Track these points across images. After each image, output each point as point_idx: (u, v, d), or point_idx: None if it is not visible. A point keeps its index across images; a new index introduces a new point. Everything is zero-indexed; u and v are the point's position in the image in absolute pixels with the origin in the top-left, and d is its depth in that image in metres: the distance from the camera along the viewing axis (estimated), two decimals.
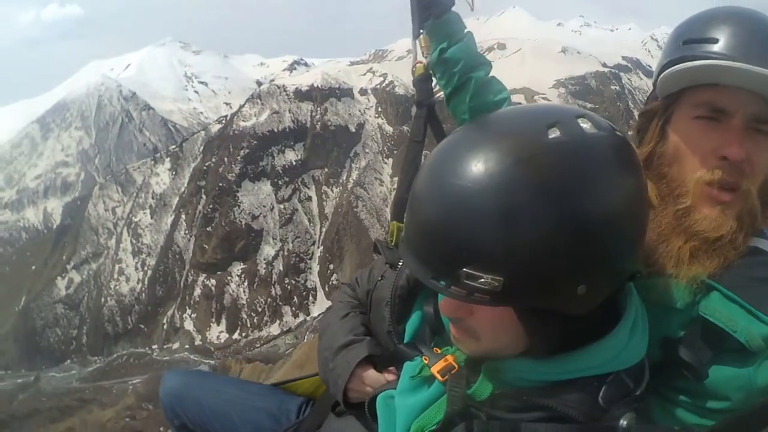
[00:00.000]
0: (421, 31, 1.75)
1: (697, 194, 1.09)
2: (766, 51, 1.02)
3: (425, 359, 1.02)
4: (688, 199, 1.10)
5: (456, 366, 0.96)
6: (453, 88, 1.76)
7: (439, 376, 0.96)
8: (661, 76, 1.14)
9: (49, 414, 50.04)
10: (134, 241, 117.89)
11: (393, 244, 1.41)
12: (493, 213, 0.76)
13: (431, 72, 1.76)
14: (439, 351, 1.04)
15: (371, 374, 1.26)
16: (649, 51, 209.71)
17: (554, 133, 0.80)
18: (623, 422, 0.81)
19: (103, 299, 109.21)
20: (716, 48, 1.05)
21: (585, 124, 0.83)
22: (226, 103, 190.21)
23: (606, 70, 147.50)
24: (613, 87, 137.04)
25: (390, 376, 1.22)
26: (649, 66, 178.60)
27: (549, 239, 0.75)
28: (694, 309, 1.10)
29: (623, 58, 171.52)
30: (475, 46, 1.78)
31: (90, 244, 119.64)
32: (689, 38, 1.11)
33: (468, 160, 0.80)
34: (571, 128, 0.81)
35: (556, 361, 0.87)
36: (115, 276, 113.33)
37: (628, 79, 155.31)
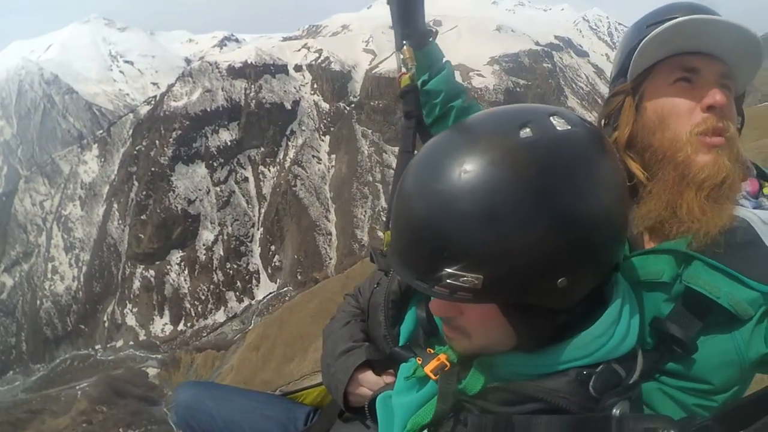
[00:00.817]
0: (404, 42, 1.75)
1: (693, 145, 1.15)
2: (725, 20, 1.12)
3: (419, 360, 1.06)
4: (683, 153, 1.15)
5: (448, 364, 0.99)
6: (435, 118, 1.82)
7: (432, 375, 0.99)
8: (638, 49, 1.21)
9: (2, 430, 47.12)
10: (66, 236, 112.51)
11: (386, 251, 1.42)
12: (469, 214, 0.78)
13: (416, 83, 1.77)
14: (432, 351, 1.08)
15: (370, 378, 1.31)
16: (580, 31, 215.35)
17: (526, 132, 0.82)
18: (616, 411, 0.82)
19: (38, 302, 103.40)
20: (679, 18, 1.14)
21: (557, 122, 0.85)
22: (154, 83, 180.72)
23: (539, 48, 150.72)
24: (545, 65, 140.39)
25: (388, 379, 1.27)
26: (580, 45, 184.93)
27: (525, 236, 0.78)
28: (679, 280, 1.13)
29: (555, 37, 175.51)
30: (453, 74, 1.83)
31: (19, 243, 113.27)
32: (653, 21, 1.22)
33: (444, 164, 0.83)
34: (542, 126, 0.84)
35: (545, 354, 0.90)
36: (49, 275, 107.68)
37: (560, 57, 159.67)
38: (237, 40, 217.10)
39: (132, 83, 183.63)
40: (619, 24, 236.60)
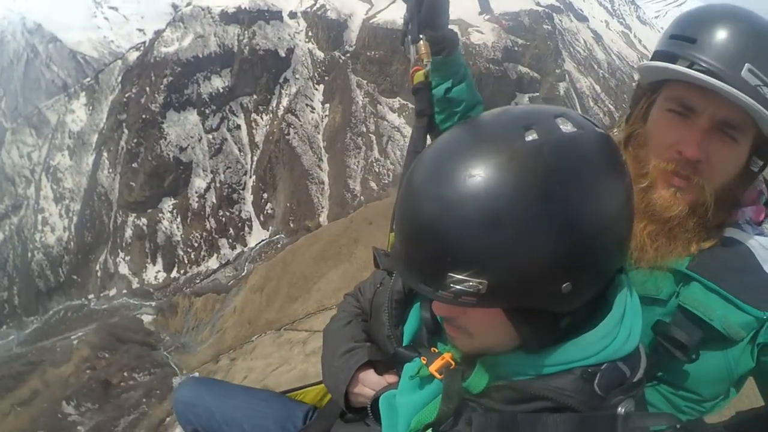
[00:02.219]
0: (421, 36, 1.70)
1: (654, 176, 1.17)
2: (741, 57, 1.05)
3: (423, 359, 1.05)
4: (647, 180, 1.18)
5: (453, 363, 0.99)
6: (452, 125, 1.76)
7: (437, 374, 0.98)
8: (639, 66, 1.22)
9: (2, 383, 47.09)
10: (55, 187, 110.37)
11: (390, 252, 1.39)
12: (474, 220, 0.78)
13: (430, 81, 1.73)
14: (437, 351, 1.07)
15: (372, 378, 1.30)
16: None
17: (531, 135, 0.81)
18: (621, 409, 0.82)
19: (29, 254, 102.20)
20: (692, 51, 1.10)
21: (563, 124, 0.83)
22: (140, 29, 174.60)
23: (540, 9, 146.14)
24: (545, 26, 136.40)
25: (390, 379, 1.26)
26: (581, 10, 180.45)
27: (530, 242, 0.77)
28: (675, 300, 1.16)
29: None
30: (473, 82, 1.81)
31: (8, 196, 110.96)
32: (675, 33, 1.16)
33: (449, 169, 0.82)
34: (548, 129, 0.82)
35: (548, 354, 0.89)
36: (39, 227, 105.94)
37: (560, 20, 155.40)
38: None
39: (117, 30, 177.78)
40: None
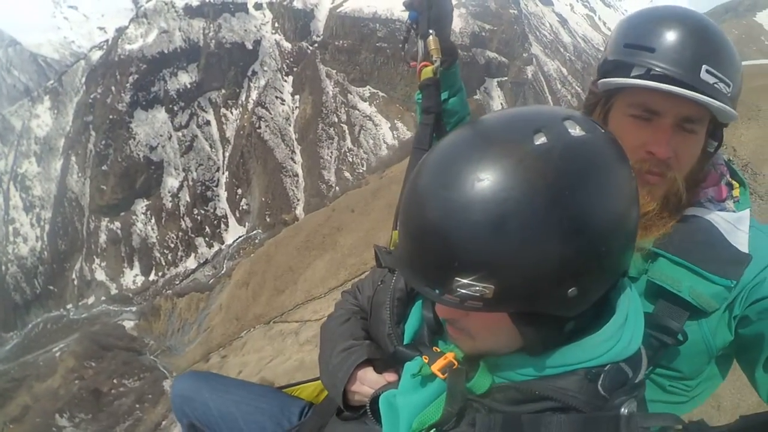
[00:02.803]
0: (431, 32, 1.70)
1: None
2: (698, 60, 1.12)
3: (425, 358, 1.04)
4: None
5: (456, 363, 0.99)
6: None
7: (439, 374, 0.98)
8: (599, 81, 1.25)
9: None
10: (24, 196, 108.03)
11: (393, 250, 1.35)
12: (482, 224, 0.77)
13: (439, 77, 1.73)
14: (439, 350, 1.07)
15: (371, 376, 1.29)
16: None
17: (540, 139, 0.80)
18: (624, 410, 0.83)
19: (3, 267, 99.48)
20: (652, 60, 1.14)
21: (571, 128, 0.83)
22: (100, 28, 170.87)
23: None
24: (512, 11, 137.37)
25: (390, 377, 1.25)
26: None
27: (538, 247, 0.77)
28: (644, 276, 1.22)
29: None
30: (465, 96, 1.87)
31: None
32: (629, 42, 1.20)
33: (456, 171, 0.81)
34: (557, 132, 0.82)
35: (552, 356, 0.90)
36: (11, 238, 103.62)
37: (525, 4, 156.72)
38: None
39: (77, 29, 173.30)
40: None
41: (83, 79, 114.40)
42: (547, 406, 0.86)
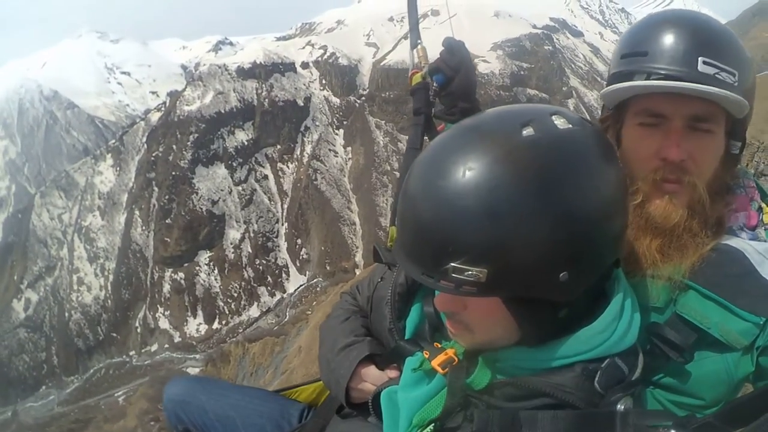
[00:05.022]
0: (419, 41, 1.85)
1: (646, 189, 1.18)
2: (693, 53, 1.09)
3: (426, 353, 1.05)
4: (639, 195, 1.18)
5: (456, 359, 0.99)
6: None
7: (440, 369, 0.98)
8: (601, 93, 1.24)
9: None
10: (88, 247, 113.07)
11: (392, 246, 1.35)
12: (474, 210, 0.81)
13: (427, 81, 1.79)
14: (440, 345, 1.07)
15: (373, 372, 1.29)
16: (572, 11, 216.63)
17: (528, 131, 0.85)
18: (620, 407, 0.84)
19: (66, 314, 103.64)
20: (647, 63, 1.13)
21: (558, 120, 0.88)
22: (153, 92, 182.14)
23: (538, 31, 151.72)
24: (546, 47, 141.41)
25: (392, 373, 1.25)
26: (575, 26, 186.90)
27: (527, 232, 0.81)
28: (672, 307, 1.17)
29: (551, 19, 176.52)
30: None
31: (41, 258, 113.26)
32: (625, 53, 1.19)
33: (449, 162, 0.85)
34: (544, 125, 0.86)
35: (548, 348, 0.91)
36: (75, 287, 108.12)
37: (557, 39, 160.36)
38: (231, 44, 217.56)
39: (131, 93, 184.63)
40: (610, 1, 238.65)
41: (144, 139, 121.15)
42: (544, 402, 0.87)
